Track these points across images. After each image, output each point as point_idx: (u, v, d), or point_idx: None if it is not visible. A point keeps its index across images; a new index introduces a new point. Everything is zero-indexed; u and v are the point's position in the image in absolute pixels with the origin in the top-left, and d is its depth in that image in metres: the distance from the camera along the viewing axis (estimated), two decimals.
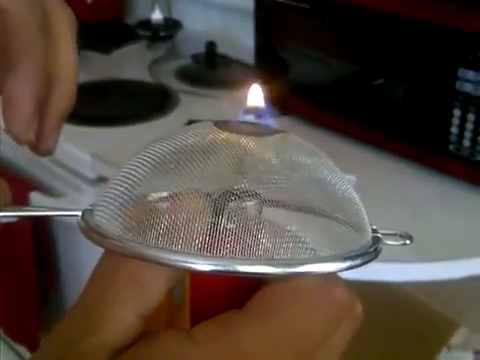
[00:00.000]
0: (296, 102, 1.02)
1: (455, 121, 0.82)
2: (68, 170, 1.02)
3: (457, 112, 0.81)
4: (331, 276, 0.26)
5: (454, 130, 0.83)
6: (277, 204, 0.25)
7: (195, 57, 1.30)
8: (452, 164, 0.85)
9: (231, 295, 0.26)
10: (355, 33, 0.91)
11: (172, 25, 1.42)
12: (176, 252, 0.23)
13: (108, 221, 0.25)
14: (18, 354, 1.27)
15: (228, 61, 1.29)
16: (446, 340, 0.98)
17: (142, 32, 1.39)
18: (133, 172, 0.26)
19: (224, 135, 0.26)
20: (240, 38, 1.30)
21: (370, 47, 0.90)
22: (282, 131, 0.28)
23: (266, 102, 0.30)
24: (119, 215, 0.25)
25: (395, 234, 0.28)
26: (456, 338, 0.98)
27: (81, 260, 1.03)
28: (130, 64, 1.34)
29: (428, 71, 0.83)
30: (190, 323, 0.25)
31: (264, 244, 0.24)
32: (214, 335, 0.24)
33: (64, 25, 0.32)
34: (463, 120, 0.81)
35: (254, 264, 0.23)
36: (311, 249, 0.24)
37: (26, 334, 1.19)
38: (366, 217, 0.27)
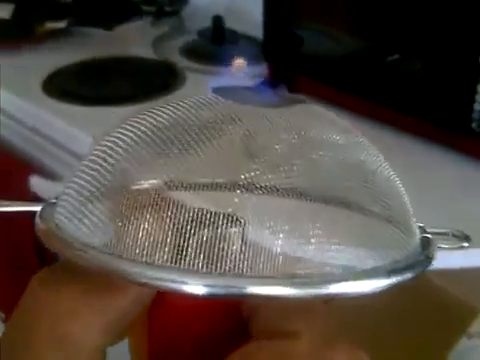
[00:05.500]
0: (306, 79, 0.98)
1: (479, 98, 0.78)
2: (69, 152, 0.99)
3: None
4: (329, 336, 0.20)
5: (478, 107, 0.79)
6: (298, 196, 0.18)
7: (201, 33, 1.27)
8: (474, 144, 0.82)
9: (201, 352, 0.20)
10: (369, 5, 0.87)
11: (177, 0, 1.38)
12: (160, 267, 0.17)
13: (70, 221, 0.19)
14: None
15: (236, 36, 1.25)
16: (466, 328, 0.95)
17: (146, 7, 1.35)
18: (105, 155, 0.20)
19: (229, 106, 0.20)
20: (248, 12, 1.26)
21: (386, 20, 0.86)
22: (302, 101, 0.21)
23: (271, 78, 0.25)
24: (84, 214, 0.19)
25: (447, 233, 0.22)
26: (476, 326, 0.95)
27: None
28: (134, 41, 1.31)
29: (449, 45, 0.79)
30: None
31: (278, 254, 0.17)
32: None
33: None
34: None
35: (266, 284, 0.16)
36: (343, 257, 0.18)
37: None
38: (412, 212, 0.21)
